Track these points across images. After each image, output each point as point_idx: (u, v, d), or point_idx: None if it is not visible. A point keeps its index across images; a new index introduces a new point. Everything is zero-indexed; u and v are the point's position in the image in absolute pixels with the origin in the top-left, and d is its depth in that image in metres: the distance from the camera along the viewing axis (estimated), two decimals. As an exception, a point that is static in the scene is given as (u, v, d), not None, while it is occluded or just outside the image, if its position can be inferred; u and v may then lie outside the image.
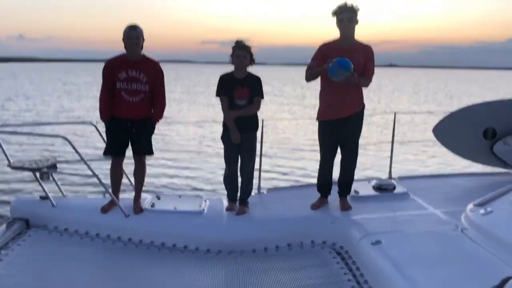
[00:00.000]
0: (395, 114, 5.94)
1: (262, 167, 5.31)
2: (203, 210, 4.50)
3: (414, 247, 3.59)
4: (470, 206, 4.07)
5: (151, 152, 4.56)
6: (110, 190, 4.46)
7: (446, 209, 4.36)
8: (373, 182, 5.09)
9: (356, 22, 4.30)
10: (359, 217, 4.26)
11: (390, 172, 5.71)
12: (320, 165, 4.63)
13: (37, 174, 4.43)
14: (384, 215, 4.34)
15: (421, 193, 4.92)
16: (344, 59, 4.05)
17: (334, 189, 4.65)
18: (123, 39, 4.28)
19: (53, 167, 4.51)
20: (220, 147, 4.72)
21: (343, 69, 4.03)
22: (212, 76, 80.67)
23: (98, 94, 4.49)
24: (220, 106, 4.50)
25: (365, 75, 4.30)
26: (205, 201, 4.75)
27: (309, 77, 4.42)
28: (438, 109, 27.49)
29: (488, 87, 66.02)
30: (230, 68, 4.50)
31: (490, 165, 5.86)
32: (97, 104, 4.47)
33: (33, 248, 4.00)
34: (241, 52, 4.34)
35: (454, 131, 5.62)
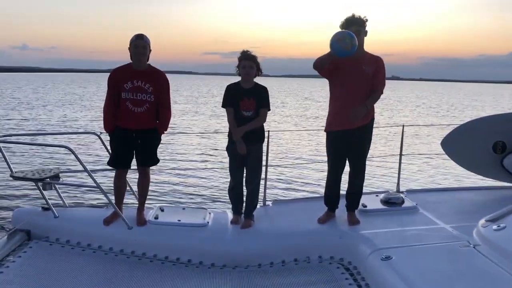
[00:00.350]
0: (403, 126, 5.86)
1: (268, 178, 5.23)
2: (208, 223, 4.42)
3: (425, 263, 3.49)
4: (482, 221, 3.96)
5: (155, 163, 4.49)
6: (113, 202, 4.38)
7: (457, 224, 4.26)
8: (381, 196, 5.00)
9: (365, 33, 4.25)
10: (367, 232, 4.16)
11: (398, 185, 5.63)
12: (328, 178, 4.53)
13: (40, 185, 4.37)
14: (393, 229, 4.25)
15: (431, 207, 4.82)
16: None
17: (342, 203, 4.55)
18: (129, 48, 4.23)
19: (55, 177, 4.46)
20: (224, 157, 4.63)
21: (347, 33, 3.89)
22: (214, 87, 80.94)
23: (102, 104, 4.44)
24: (226, 117, 4.43)
25: (375, 86, 4.23)
26: (210, 213, 4.67)
27: (316, 62, 4.17)
28: (441, 121, 27.42)
29: (490, 100, 65.96)
30: (232, 79, 4.44)
31: (500, 179, 5.75)
32: (101, 114, 4.42)
33: (34, 260, 3.93)
34: (248, 62, 4.29)
35: (463, 144, 5.53)
